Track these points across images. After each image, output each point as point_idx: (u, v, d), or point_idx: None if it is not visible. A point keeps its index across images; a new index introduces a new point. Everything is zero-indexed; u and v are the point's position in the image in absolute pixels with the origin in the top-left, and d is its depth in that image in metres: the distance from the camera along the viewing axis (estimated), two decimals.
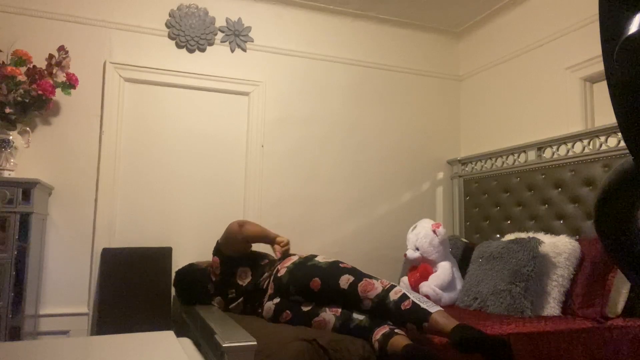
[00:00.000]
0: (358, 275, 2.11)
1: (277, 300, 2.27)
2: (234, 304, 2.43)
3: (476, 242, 3.21)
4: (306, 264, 2.25)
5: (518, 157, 3.30)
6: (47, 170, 2.90)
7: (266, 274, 2.41)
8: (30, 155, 2.87)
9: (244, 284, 2.41)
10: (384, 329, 1.91)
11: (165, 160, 3.21)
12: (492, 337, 1.73)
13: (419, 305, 1.91)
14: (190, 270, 2.66)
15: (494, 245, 2.77)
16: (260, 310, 2.36)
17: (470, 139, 3.95)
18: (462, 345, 1.70)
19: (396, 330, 1.90)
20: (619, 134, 2.29)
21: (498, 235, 3.25)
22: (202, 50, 3.35)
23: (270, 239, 2.50)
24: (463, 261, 3.04)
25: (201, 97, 3.33)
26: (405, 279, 3.05)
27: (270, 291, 2.34)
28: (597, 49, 0.79)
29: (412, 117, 3.91)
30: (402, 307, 1.93)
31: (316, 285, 2.14)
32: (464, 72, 4.06)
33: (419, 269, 2.97)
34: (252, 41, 3.48)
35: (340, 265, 2.19)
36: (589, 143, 2.79)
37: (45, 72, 2.76)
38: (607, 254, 0.72)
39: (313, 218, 3.54)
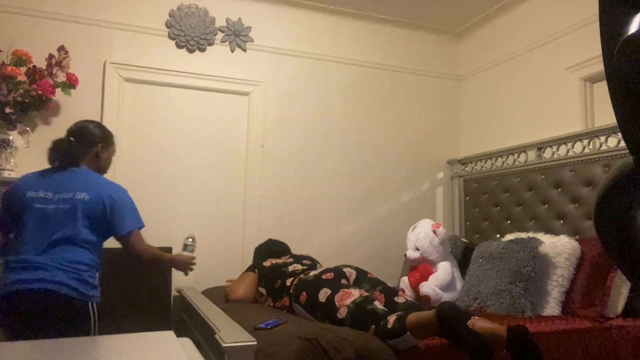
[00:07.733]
0: (336, 287, 2.15)
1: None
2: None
3: (476, 242, 3.21)
4: (303, 279, 2.34)
5: (518, 157, 3.30)
6: None
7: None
8: (30, 155, 2.87)
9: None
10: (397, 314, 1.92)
11: (165, 160, 3.21)
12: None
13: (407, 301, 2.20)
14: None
15: (494, 245, 2.77)
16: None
17: (470, 139, 3.94)
18: (443, 321, 1.73)
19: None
20: (619, 134, 2.29)
21: (498, 235, 3.25)
22: (202, 50, 3.35)
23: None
24: (463, 261, 3.04)
25: (201, 97, 3.33)
26: (405, 279, 3.05)
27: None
28: (597, 49, 0.79)
29: (412, 117, 3.91)
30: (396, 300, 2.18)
31: (303, 299, 2.23)
32: (464, 72, 4.06)
33: (419, 269, 2.96)
34: (252, 41, 3.48)
35: (322, 277, 2.26)
36: (589, 143, 2.79)
37: (45, 72, 2.76)
38: (607, 254, 0.72)
39: (313, 218, 3.53)
